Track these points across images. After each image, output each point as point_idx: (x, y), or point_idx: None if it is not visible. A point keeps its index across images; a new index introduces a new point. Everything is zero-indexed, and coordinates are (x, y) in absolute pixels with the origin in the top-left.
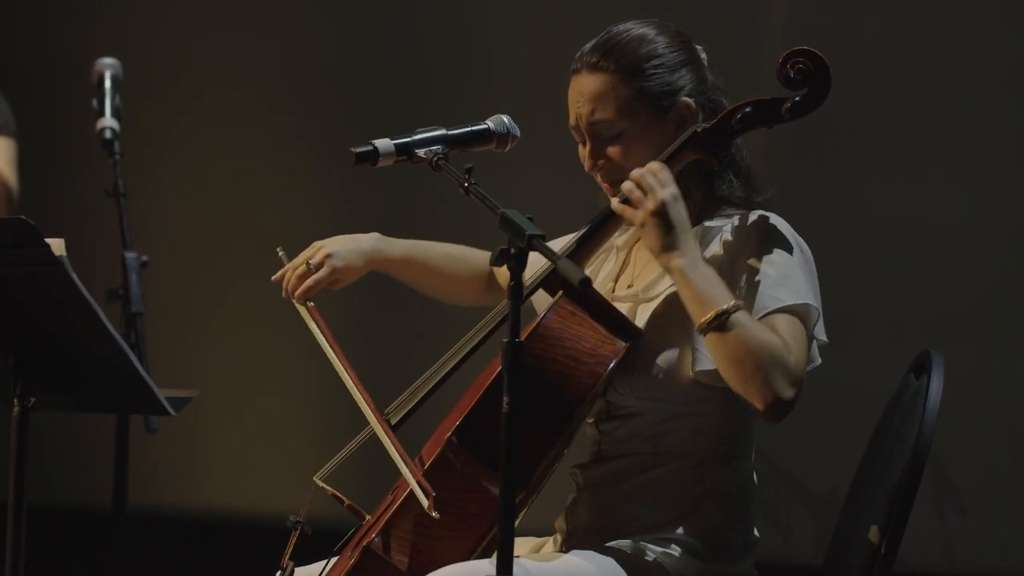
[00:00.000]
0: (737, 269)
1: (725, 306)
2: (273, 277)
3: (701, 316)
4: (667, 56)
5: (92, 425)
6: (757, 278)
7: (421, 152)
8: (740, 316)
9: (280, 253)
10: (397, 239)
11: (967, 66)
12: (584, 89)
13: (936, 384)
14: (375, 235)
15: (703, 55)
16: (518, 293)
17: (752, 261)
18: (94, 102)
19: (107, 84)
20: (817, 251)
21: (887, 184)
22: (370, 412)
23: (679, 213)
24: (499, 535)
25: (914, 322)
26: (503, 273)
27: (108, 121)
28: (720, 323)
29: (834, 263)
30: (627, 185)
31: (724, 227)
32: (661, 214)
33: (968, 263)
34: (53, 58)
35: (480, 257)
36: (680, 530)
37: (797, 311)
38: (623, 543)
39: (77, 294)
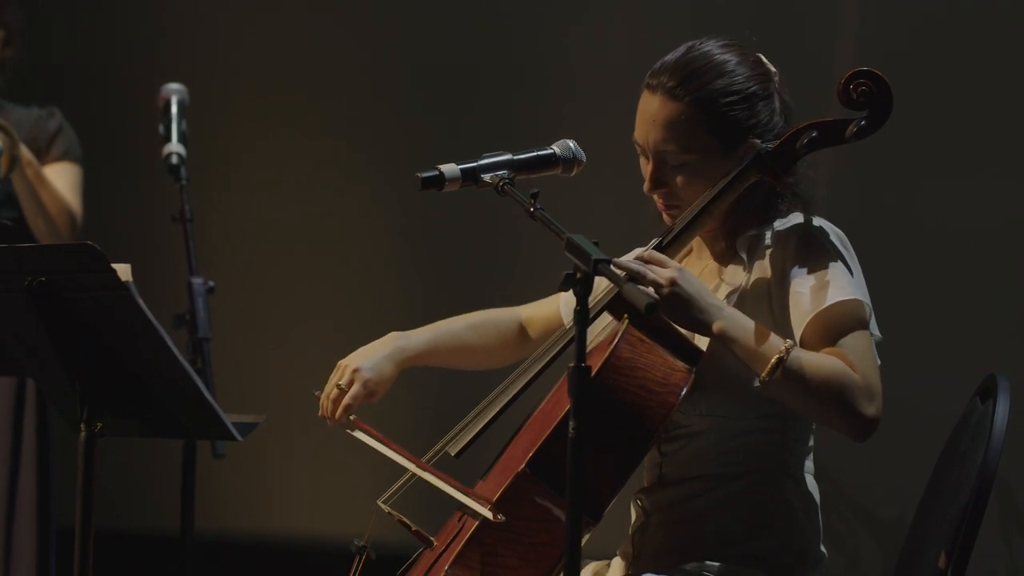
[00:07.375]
0: (781, 274)
1: (779, 352)
2: (319, 414)
3: (760, 369)
4: (744, 91)
5: (159, 450)
6: (802, 281)
7: (487, 177)
8: (796, 355)
9: (316, 393)
10: (412, 330)
11: None
12: (658, 115)
13: (1002, 409)
14: (390, 335)
15: (776, 78)
16: (584, 318)
17: (795, 265)
18: (160, 128)
19: (173, 109)
20: (884, 270)
21: (961, 199)
22: (411, 463)
23: (691, 283)
24: (566, 563)
25: (981, 344)
26: (538, 321)
27: (174, 147)
28: (780, 370)
29: (901, 283)
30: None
31: (765, 232)
32: (675, 294)
33: None
34: (120, 84)
35: (504, 316)
36: (751, 546)
37: (847, 308)
38: (692, 565)
39: (143, 319)
